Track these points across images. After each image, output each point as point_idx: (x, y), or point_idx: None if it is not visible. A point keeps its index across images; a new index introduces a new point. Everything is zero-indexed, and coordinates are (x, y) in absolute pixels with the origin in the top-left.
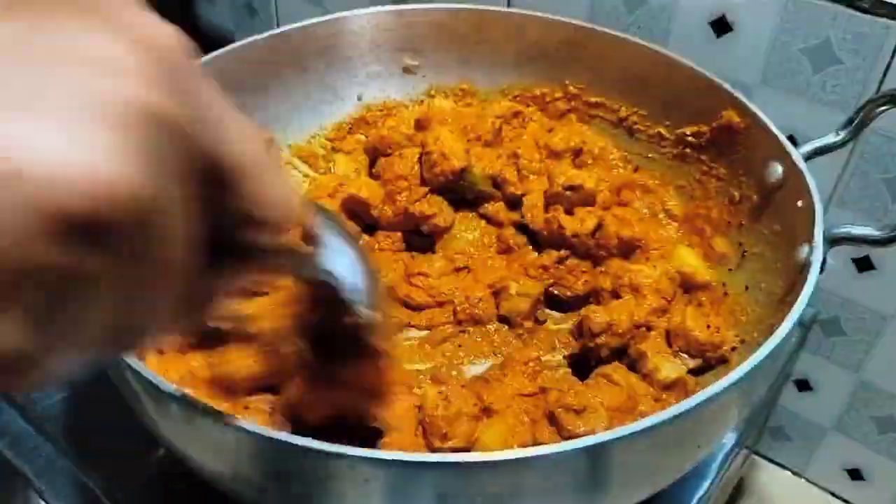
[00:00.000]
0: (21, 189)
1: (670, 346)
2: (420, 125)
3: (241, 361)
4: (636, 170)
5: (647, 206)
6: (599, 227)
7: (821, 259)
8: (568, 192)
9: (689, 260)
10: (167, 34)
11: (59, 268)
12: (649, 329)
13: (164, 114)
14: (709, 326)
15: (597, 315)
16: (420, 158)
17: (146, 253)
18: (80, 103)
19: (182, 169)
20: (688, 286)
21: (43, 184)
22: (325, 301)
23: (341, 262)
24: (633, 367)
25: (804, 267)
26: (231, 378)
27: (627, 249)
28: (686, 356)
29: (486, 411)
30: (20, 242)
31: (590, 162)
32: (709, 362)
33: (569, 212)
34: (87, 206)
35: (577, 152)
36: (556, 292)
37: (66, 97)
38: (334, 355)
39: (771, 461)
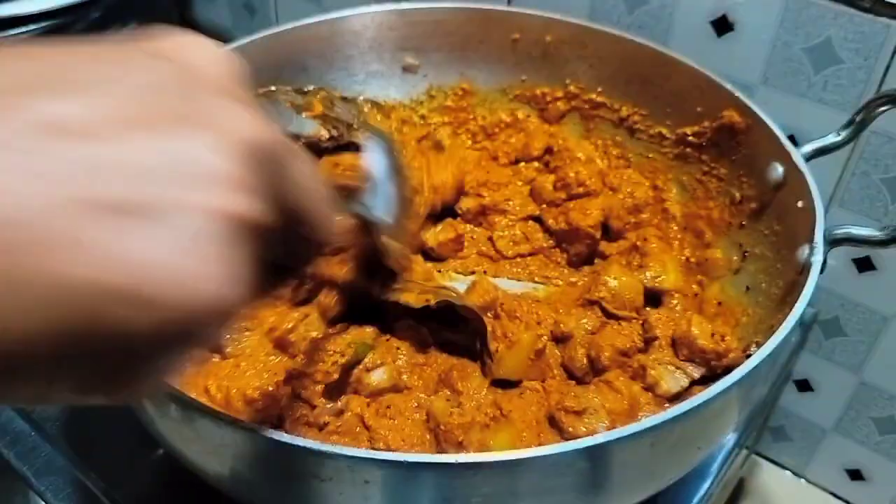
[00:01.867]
0: (144, 306)
1: (676, 354)
2: None
3: None
4: (629, 165)
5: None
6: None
7: (821, 260)
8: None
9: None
10: (256, 124)
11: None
12: (648, 344)
13: (257, 220)
14: (713, 335)
15: (575, 361)
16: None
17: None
18: (186, 222)
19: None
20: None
21: (162, 304)
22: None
23: (379, 196)
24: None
25: (804, 268)
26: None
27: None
28: (691, 365)
29: (495, 418)
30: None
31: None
32: (714, 371)
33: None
34: (191, 318)
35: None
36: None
37: (173, 213)
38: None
39: (771, 461)
